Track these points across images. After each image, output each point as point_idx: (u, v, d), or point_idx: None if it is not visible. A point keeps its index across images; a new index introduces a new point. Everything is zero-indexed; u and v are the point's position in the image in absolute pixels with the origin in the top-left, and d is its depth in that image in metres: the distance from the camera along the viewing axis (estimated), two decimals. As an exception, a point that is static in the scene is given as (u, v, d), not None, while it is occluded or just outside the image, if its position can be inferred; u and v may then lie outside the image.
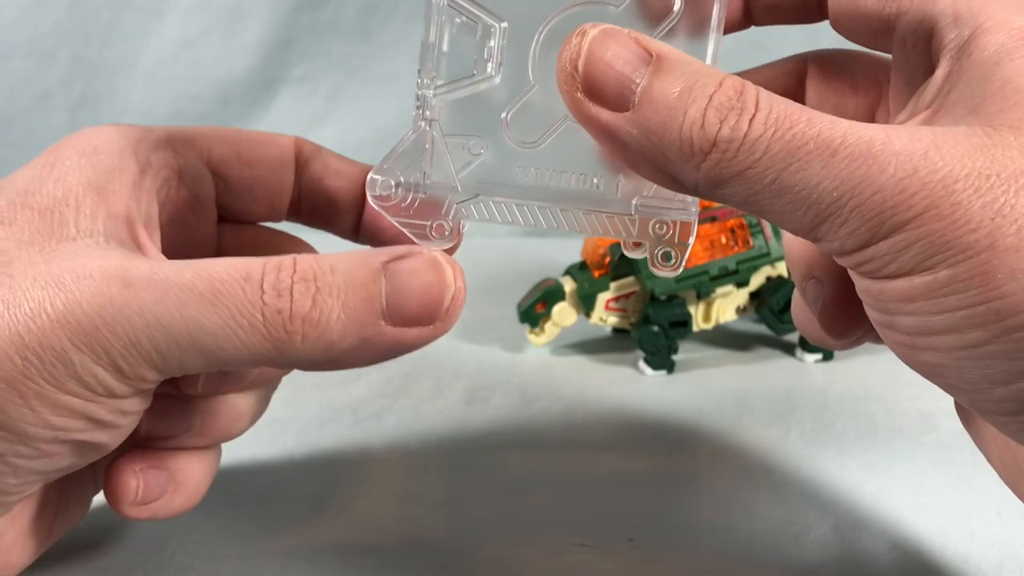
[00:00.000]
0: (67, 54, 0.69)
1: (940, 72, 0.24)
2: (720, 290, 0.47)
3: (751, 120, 0.21)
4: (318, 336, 0.23)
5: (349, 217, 0.30)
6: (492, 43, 0.25)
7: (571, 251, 0.50)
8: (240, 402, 0.29)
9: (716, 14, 0.25)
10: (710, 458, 0.38)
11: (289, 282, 0.22)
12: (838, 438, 0.39)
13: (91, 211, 0.24)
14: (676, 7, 0.25)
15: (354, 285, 0.23)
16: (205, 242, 0.30)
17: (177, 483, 0.28)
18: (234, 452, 0.36)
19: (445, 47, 0.25)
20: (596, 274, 0.47)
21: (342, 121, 0.73)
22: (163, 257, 0.25)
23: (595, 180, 0.26)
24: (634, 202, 0.25)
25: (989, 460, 0.27)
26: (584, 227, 0.26)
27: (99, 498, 0.33)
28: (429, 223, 0.25)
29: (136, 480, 0.27)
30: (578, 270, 0.48)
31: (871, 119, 0.28)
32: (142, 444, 0.28)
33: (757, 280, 0.47)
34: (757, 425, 0.40)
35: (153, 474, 0.28)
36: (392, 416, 0.39)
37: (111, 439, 0.24)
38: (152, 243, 0.26)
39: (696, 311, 0.47)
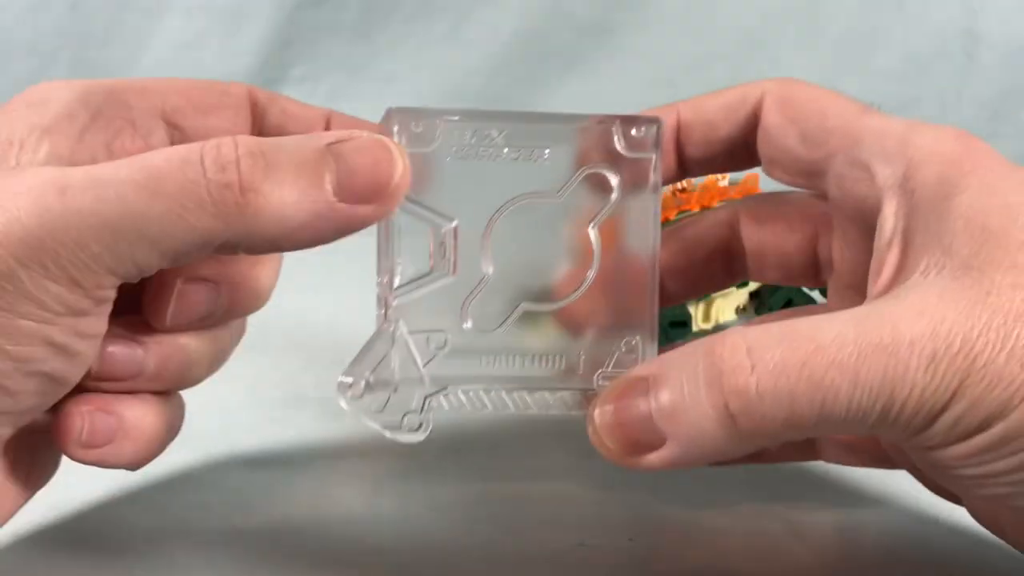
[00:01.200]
0: (67, 54, 0.70)
1: (888, 211, 0.24)
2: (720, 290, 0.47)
3: (752, 372, 0.22)
4: (271, 210, 0.22)
5: None
6: (445, 241, 0.26)
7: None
8: (195, 344, 0.28)
9: (653, 185, 0.27)
10: (710, 458, 0.38)
11: (234, 156, 0.22)
12: (838, 438, 0.39)
13: (34, 148, 0.24)
14: (614, 195, 0.27)
15: (304, 161, 0.23)
16: None
17: (126, 430, 0.27)
18: (234, 451, 0.36)
19: (400, 248, 0.26)
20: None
21: (342, 121, 0.73)
22: None
23: (557, 359, 0.27)
24: (596, 378, 0.27)
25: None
26: (552, 406, 0.27)
27: (91, 499, 0.33)
28: (401, 418, 0.26)
29: (82, 420, 0.26)
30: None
31: (813, 254, 0.30)
32: (93, 389, 0.27)
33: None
34: (757, 425, 0.40)
35: (101, 417, 0.27)
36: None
37: (72, 369, 0.24)
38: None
39: (696, 311, 0.47)
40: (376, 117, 0.33)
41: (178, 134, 0.28)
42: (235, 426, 0.39)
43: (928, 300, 0.22)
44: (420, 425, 0.27)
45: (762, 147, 0.28)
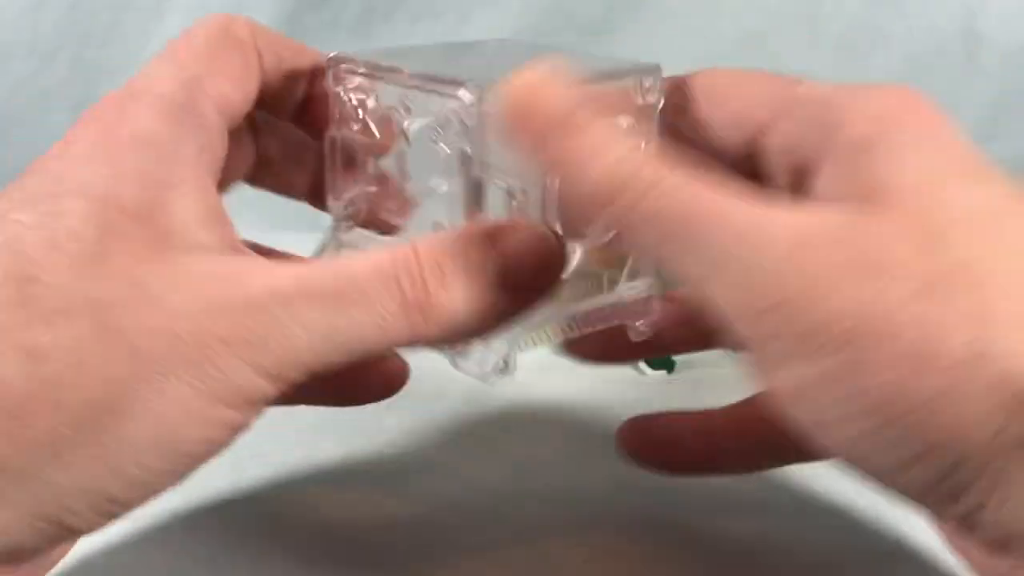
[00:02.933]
0: (68, 54, 0.69)
1: (814, 167, 0.24)
2: (720, 290, 0.47)
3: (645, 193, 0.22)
4: (448, 319, 0.24)
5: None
6: (518, 200, 0.27)
7: (571, 251, 0.50)
8: None
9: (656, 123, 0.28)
10: (710, 458, 0.38)
11: (419, 272, 0.23)
12: (838, 438, 0.39)
13: (182, 214, 0.24)
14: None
15: (473, 265, 0.24)
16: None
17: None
18: (233, 452, 0.36)
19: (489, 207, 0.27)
20: (596, 274, 0.47)
21: (343, 121, 0.73)
22: (274, 260, 0.26)
23: (595, 282, 0.30)
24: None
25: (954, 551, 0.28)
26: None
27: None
28: (494, 365, 0.28)
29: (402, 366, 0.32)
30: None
31: None
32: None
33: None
34: (757, 425, 0.40)
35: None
36: (392, 416, 0.39)
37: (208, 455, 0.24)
38: (233, 231, 0.26)
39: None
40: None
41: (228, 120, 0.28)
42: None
43: (810, 217, 0.22)
44: (507, 365, 0.28)
45: (699, 139, 0.28)
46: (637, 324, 0.31)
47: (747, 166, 0.27)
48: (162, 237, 0.23)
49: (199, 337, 0.22)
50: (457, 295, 0.24)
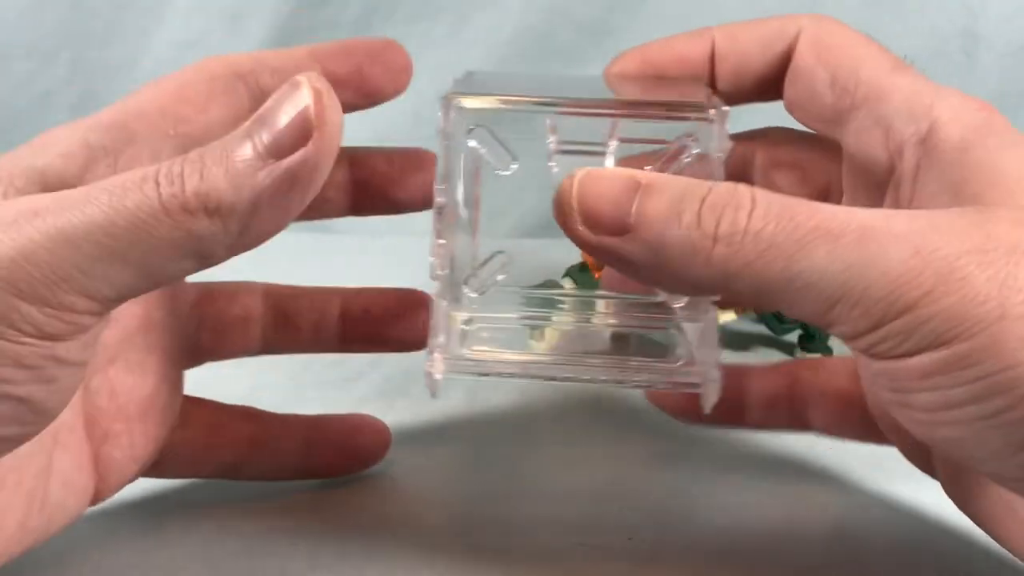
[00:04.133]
0: (68, 55, 0.69)
1: (908, 164, 0.25)
2: (720, 290, 0.47)
3: (749, 214, 0.22)
4: (214, 210, 0.22)
5: None
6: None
7: (571, 252, 0.50)
8: None
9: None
10: (710, 458, 0.38)
11: (179, 169, 0.22)
12: (838, 438, 0.39)
13: (25, 187, 0.24)
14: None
15: (226, 141, 0.23)
16: None
17: None
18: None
19: None
20: (596, 275, 0.47)
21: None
22: None
23: None
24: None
25: (1004, 542, 0.27)
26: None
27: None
28: None
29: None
30: (578, 271, 0.48)
31: None
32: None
33: (757, 280, 0.47)
34: (757, 425, 0.40)
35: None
36: (392, 416, 0.38)
37: (50, 397, 0.24)
38: None
39: (696, 311, 0.47)
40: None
41: (189, 141, 0.28)
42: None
43: (929, 215, 0.22)
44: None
45: (789, 86, 0.28)
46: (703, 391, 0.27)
47: (824, 125, 0.28)
48: None
49: None
50: (218, 181, 0.22)
